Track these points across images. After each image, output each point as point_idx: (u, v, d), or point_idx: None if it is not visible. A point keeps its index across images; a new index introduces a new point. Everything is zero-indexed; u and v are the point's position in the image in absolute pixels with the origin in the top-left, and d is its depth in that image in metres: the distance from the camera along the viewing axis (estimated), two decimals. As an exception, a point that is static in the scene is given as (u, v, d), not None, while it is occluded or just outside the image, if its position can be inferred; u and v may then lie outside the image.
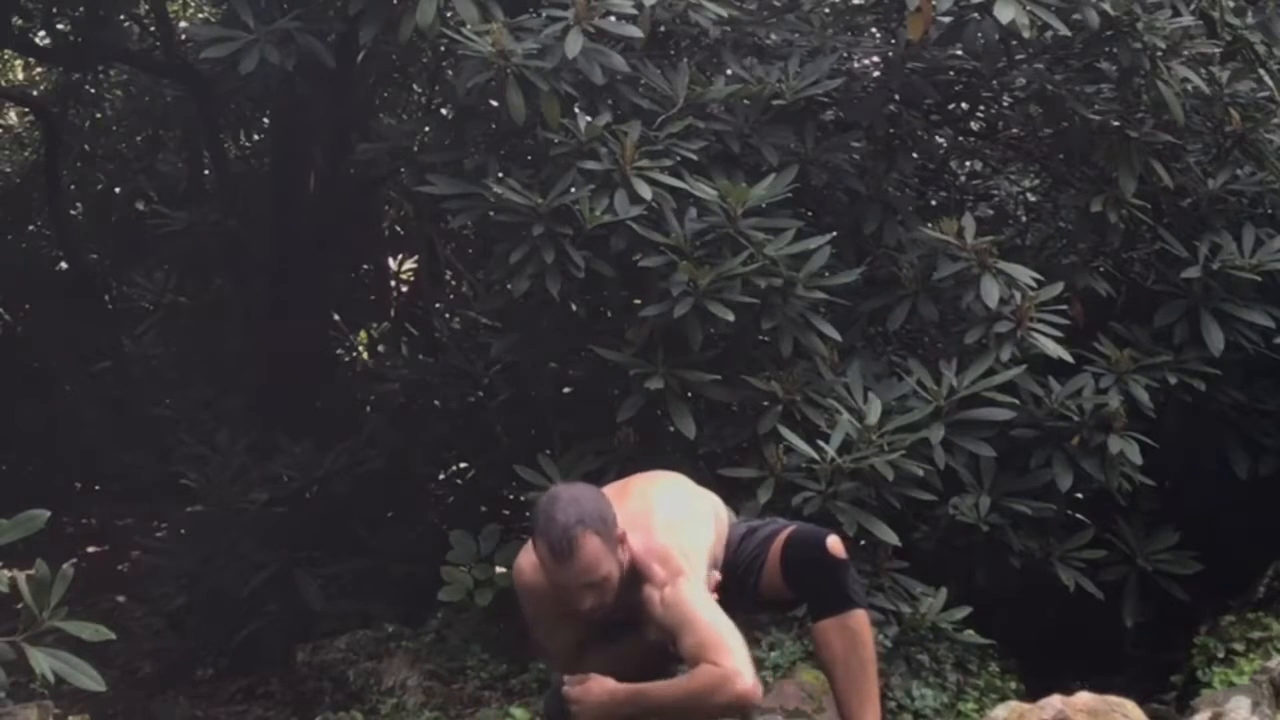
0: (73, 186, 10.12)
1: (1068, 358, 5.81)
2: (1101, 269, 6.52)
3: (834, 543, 3.97)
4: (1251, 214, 6.52)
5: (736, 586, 4.01)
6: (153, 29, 9.00)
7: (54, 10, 8.40)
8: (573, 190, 5.50)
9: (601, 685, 3.77)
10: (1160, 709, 5.40)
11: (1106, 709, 3.99)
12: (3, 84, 10.59)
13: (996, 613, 5.70)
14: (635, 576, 3.80)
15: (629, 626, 3.89)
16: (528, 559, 3.92)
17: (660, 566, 3.80)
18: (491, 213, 5.60)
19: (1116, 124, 6.22)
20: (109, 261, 9.96)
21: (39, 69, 10.48)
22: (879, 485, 5.39)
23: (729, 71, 6.25)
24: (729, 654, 3.68)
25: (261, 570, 6.96)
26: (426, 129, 6.64)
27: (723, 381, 5.58)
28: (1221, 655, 5.69)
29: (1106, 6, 5.88)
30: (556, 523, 3.70)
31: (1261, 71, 6.41)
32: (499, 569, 5.94)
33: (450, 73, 7.09)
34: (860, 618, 3.96)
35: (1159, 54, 6.01)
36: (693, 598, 3.77)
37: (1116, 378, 5.95)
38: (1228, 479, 6.46)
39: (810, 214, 6.17)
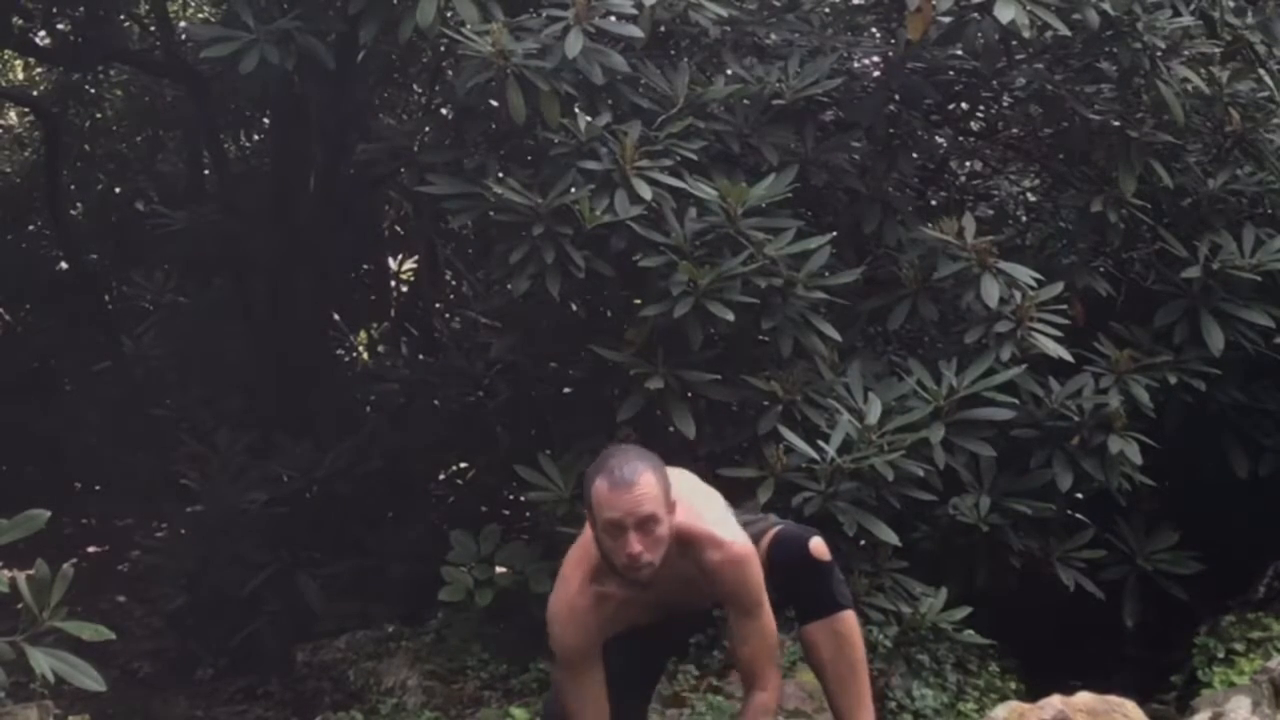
0: (73, 186, 10.12)
1: (1068, 358, 5.82)
2: (1101, 269, 6.52)
3: (817, 545, 3.95)
4: (1251, 214, 6.52)
5: None
6: (153, 29, 9.01)
7: (54, 10, 8.40)
8: (573, 190, 5.50)
9: None
10: (1160, 709, 5.40)
11: (1106, 709, 3.99)
12: (3, 84, 10.60)
13: (996, 613, 5.70)
14: (687, 547, 3.80)
15: (671, 607, 3.89)
16: (559, 598, 3.87)
17: (721, 532, 3.82)
18: (491, 213, 5.60)
19: (1116, 124, 6.22)
20: (109, 261, 9.96)
21: (39, 69, 10.47)
22: (879, 485, 5.39)
23: (729, 71, 6.25)
24: (777, 666, 3.92)
25: (261, 570, 6.95)
26: (426, 129, 6.65)
27: (723, 381, 5.58)
28: (1221, 655, 5.69)
29: (1106, 6, 5.88)
30: (620, 459, 3.72)
31: (1261, 71, 6.41)
32: (499, 569, 5.94)
33: (450, 73, 7.10)
34: (847, 619, 3.95)
35: (1159, 54, 6.02)
36: (758, 583, 3.84)
37: (1116, 378, 5.95)
38: (1228, 479, 6.46)
39: (810, 214, 6.17)
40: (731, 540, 3.82)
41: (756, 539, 4.02)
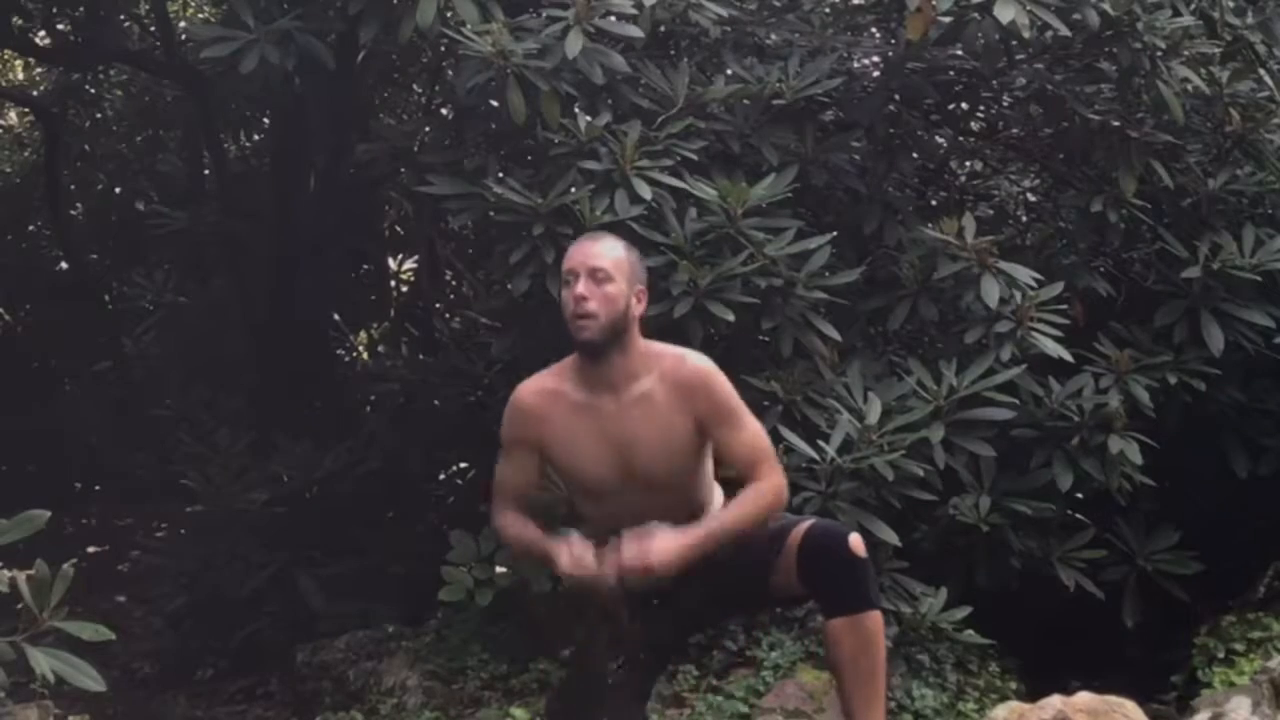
0: (73, 186, 10.13)
1: (1068, 358, 5.82)
2: (1101, 269, 6.53)
3: (856, 540, 3.91)
4: (1251, 214, 6.52)
5: (744, 584, 3.97)
6: (153, 29, 9.01)
7: (54, 10, 8.40)
8: (573, 190, 5.50)
9: (667, 537, 3.74)
10: (1160, 709, 5.40)
11: (1106, 709, 3.99)
12: (3, 84, 10.60)
13: (996, 613, 5.70)
14: (653, 365, 3.83)
15: (628, 447, 3.88)
16: (527, 385, 4.00)
17: (686, 351, 3.87)
18: (491, 213, 5.61)
19: (1116, 124, 6.22)
20: (109, 261, 9.97)
21: (39, 69, 10.48)
22: (879, 485, 5.39)
23: (729, 71, 6.25)
24: (777, 464, 3.86)
25: (261, 570, 6.96)
26: (426, 129, 6.64)
27: (723, 381, 5.57)
28: (1221, 655, 5.69)
29: (1106, 6, 5.88)
30: (602, 230, 3.87)
31: (1261, 71, 6.41)
32: (499, 569, 5.94)
33: (450, 73, 7.09)
34: (875, 619, 3.90)
35: (1159, 54, 6.01)
36: (733, 392, 3.83)
37: (1116, 378, 5.95)
38: (1228, 479, 6.46)
39: (810, 214, 6.17)
40: (697, 355, 3.87)
41: (785, 531, 3.96)
